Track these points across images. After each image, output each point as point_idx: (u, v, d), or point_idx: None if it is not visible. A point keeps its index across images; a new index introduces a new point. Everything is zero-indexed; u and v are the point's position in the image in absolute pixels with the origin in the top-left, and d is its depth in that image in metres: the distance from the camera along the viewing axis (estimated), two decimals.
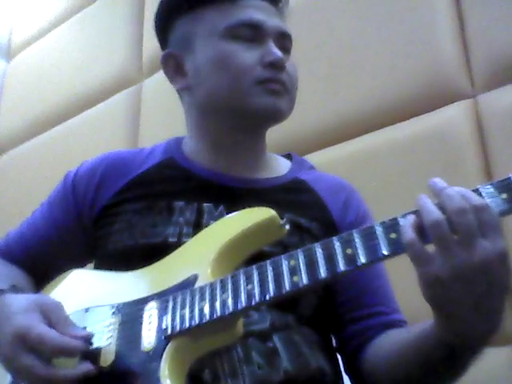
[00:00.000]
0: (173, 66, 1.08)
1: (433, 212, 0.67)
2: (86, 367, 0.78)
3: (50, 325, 0.81)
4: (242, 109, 1.00)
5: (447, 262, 0.66)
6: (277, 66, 1.00)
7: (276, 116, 1.02)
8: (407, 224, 0.69)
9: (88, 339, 0.82)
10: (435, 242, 0.67)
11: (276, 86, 1.00)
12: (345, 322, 0.98)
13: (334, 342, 1.02)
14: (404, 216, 0.71)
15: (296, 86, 1.05)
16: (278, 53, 1.00)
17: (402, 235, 0.69)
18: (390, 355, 0.89)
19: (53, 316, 0.82)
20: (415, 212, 0.70)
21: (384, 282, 1.02)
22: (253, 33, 1.02)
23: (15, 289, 0.93)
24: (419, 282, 0.69)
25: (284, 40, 1.05)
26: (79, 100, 2.60)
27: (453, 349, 0.75)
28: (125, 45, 2.45)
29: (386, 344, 0.92)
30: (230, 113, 1.02)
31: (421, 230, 0.68)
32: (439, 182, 0.70)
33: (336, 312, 0.99)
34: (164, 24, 1.11)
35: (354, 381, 0.98)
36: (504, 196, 0.67)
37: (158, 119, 2.23)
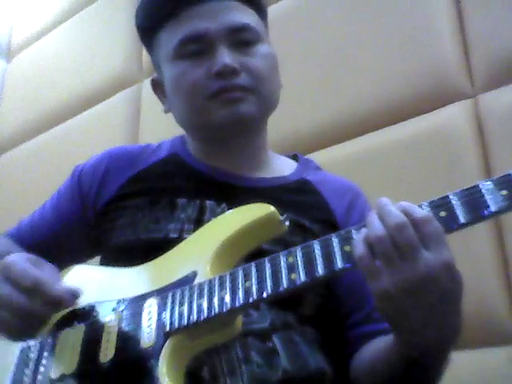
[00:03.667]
0: (160, 90, 1.10)
1: (376, 228, 0.68)
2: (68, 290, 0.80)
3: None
4: (206, 126, 0.99)
5: (393, 276, 0.67)
6: (225, 73, 0.95)
7: (242, 122, 0.98)
8: (359, 238, 0.69)
9: (75, 295, 0.83)
10: (380, 257, 0.67)
11: (231, 94, 0.96)
12: (344, 326, 0.98)
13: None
14: (358, 229, 0.71)
15: (266, 77, 0.99)
16: (223, 59, 0.95)
17: (354, 249, 0.69)
18: (367, 366, 0.90)
19: (44, 268, 0.85)
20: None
21: None
22: (199, 45, 0.98)
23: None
24: (373, 297, 0.70)
25: (239, 34, 0.99)
26: (79, 100, 2.60)
27: (413, 360, 0.76)
28: (125, 45, 2.44)
29: (366, 354, 0.92)
30: (200, 130, 1.03)
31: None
32: (384, 200, 0.71)
33: (337, 316, 0.99)
34: (147, 49, 1.12)
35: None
36: (504, 192, 0.66)
37: (158, 119, 2.21)
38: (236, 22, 1.00)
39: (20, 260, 0.84)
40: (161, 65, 1.05)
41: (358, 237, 0.70)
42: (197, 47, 0.98)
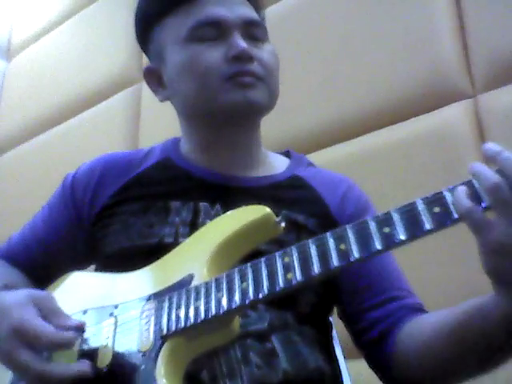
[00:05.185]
0: (155, 79, 1.09)
1: (492, 176, 0.65)
2: (83, 365, 0.79)
3: (44, 317, 0.81)
4: (216, 108, 0.99)
5: (509, 226, 0.63)
6: (242, 57, 0.97)
7: (252, 108, 1.00)
8: (460, 194, 0.65)
9: (81, 328, 0.83)
10: (496, 207, 0.64)
11: (246, 78, 0.97)
12: (360, 311, 0.96)
13: (335, 341, 1.02)
14: (451, 189, 0.67)
15: (274, 71, 1.03)
16: (242, 44, 0.97)
17: (457, 206, 0.65)
18: (435, 336, 0.84)
19: (45, 308, 0.83)
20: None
21: (394, 265, 1.00)
22: (215, 30, 1.00)
23: (7, 287, 0.93)
24: (481, 253, 0.67)
25: (252, 28, 1.02)
26: (79, 100, 2.60)
27: None
28: (125, 45, 2.45)
29: (427, 325, 0.87)
30: (208, 114, 1.02)
31: (472, 199, 0.65)
32: (493, 146, 0.67)
33: (346, 303, 0.98)
34: (141, 40, 1.12)
35: (378, 370, 0.95)
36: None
37: (158, 119, 2.23)
38: (251, 16, 1.03)
39: (26, 316, 0.80)
40: (165, 51, 1.05)
41: (458, 193, 0.66)
42: (212, 31, 1.00)
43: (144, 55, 2.63)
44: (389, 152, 1.63)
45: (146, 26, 1.09)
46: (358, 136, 1.72)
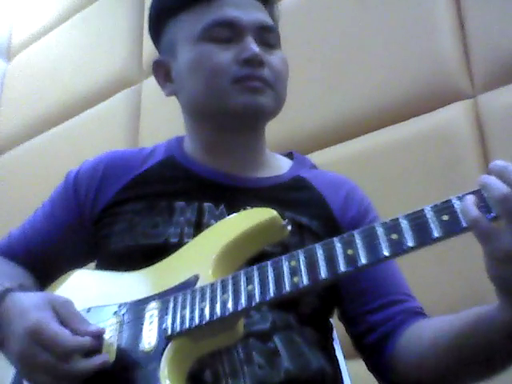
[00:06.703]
0: (162, 72, 1.09)
1: (501, 187, 0.65)
2: (104, 357, 0.79)
3: (62, 321, 0.81)
4: (222, 110, 0.99)
5: None
6: (253, 62, 0.97)
7: (258, 114, 1.00)
8: (468, 202, 0.66)
9: (100, 335, 0.82)
10: (505, 217, 0.65)
11: (254, 83, 0.97)
12: (361, 314, 0.96)
13: (335, 341, 1.02)
14: (460, 197, 0.68)
15: (283, 79, 1.03)
16: (254, 48, 0.98)
17: (465, 214, 0.66)
18: (438, 342, 0.84)
19: (64, 312, 0.82)
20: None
21: (396, 269, 1.00)
22: (229, 31, 1.00)
23: (23, 288, 0.92)
24: (486, 261, 0.67)
25: (265, 33, 1.03)
26: (79, 100, 2.60)
27: None
28: (125, 45, 2.45)
29: (428, 329, 0.88)
30: (214, 115, 1.02)
31: (480, 209, 0.66)
32: (500, 162, 0.68)
33: (347, 306, 0.98)
34: (154, 31, 1.12)
35: (377, 373, 0.95)
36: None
37: (158, 119, 2.23)
38: (266, 21, 1.04)
39: (45, 320, 0.80)
40: (177, 46, 1.05)
41: (466, 202, 0.67)
42: (226, 33, 1.00)
43: (144, 55, 2.63)
44: (389, 152, 1.63)
45: (161, 18, 1.09)
46: (359, 136, 1.72)
